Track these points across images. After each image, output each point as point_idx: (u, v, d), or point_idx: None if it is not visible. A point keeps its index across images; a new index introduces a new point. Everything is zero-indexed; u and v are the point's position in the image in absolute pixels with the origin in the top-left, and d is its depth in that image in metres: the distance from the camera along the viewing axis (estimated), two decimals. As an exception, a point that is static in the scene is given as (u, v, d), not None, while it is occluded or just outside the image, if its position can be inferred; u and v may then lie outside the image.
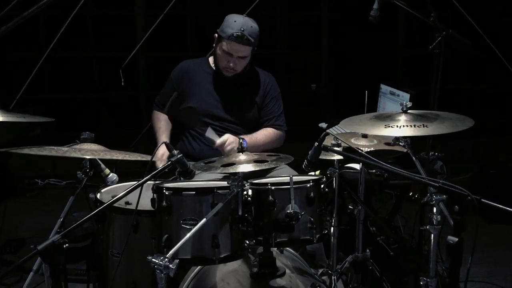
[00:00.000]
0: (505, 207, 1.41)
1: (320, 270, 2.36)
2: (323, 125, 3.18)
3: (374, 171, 2.81)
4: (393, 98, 2.92)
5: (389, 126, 1.94)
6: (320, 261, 2.57)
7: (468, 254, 3.37)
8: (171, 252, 1.49)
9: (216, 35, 2.68)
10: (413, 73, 4.84)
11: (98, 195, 2.19)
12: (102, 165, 2.14)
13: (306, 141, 2.13)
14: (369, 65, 4.99)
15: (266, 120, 2.83)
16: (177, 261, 1.46)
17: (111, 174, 2.19)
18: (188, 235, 1.56)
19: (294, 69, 5.29)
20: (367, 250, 2.49)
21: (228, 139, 2.55)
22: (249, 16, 2.72)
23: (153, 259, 1.47)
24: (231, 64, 2.65)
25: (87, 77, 5.17)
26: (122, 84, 4.48)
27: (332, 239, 2.27)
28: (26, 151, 1.82)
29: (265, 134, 2.79)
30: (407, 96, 2.72)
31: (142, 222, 2.04)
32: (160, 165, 2.37)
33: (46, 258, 1.40)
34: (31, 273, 1.65)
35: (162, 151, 2.63)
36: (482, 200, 1.44)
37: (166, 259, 1.45)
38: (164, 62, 4.95)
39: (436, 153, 3.16)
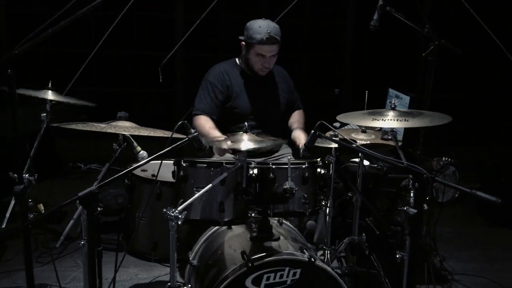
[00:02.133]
0: (456, 185, 1.69)
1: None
2: (336, 124, 3.50)
3: (375, 165, 3.12)
4: (398, 101, 3.21)
5: (376, 120, 2.24)
6: (320, 241, 2.88)
7: (467, 251, 3.65)
8: (181, 207, 1.87)
9: (244, 43, 2.99)
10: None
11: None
12: (135, 143, 2.53)
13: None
14: (391, 69, 5.27)
15: (293, 106, 3.28)
16: (185, 213, 1.83)
17: (141, 151, 2.57)
18: (196, 195, 1.94)
19: (318, 72, 5.59)
20: (363, 234, 2.80)
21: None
22: (278, 21, 3.08)
23: (167, 211, 1.85)
24: (266, 65, 2.99)
25: (129, 73, 5.62)
26: (160, 81, 4.92)
27: (327, 218, 2.59)
28: (73, 126, 2.24)
29: (301, 116, 3.29)
30: (407, 98, 3.01)
31: (165, 191, 2.43)
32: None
33: (84, 203, 1.79)
34: (71, 221, 2.02)
35: (223, 147, 2.71)
36: (436, 178, 1.74)
37: (176, 211, 1.83)
38: (200, 62, 5.39)
39: (449, 159, 3.43)
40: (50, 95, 2.47)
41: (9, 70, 1.83)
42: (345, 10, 5.47)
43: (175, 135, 2.20)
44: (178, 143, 2.08)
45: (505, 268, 3.45)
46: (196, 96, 3.06)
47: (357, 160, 3.13)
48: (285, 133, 3.21)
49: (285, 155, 3.01)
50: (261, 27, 2.91)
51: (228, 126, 3.05)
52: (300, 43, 5.56)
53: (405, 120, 2.21)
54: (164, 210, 1.86)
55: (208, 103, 3.01)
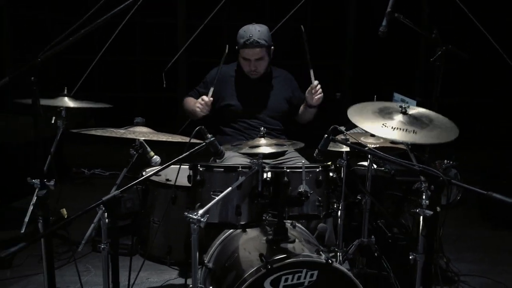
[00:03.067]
0: (473, 188, 1.74)
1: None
2: (342, 128, 3.56)
3: (382, 168, 3.17)
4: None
5: (385, 126, 2.26)
6: (330, 243, 2.92)
7: (470, 252, 3.70)
8: (202, 210, 1.90)
9: (237, 47, 3.12)
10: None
11: (144, 173, 2.64)
12: (148, 148, 2.56)
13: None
14: (389, 75, 5.35)
15: (300, 103, 3.36)
16: (207, 216, 1.87)
17: (154, 156, 2.61)
18: (216, 199, 1.98)
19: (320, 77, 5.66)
20: (372, 236, 2.85)
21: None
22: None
23: (189, 214, 1.88)
24: (252, 68, 3.11)
25: (131, 78, 5.66)
26: (164, 86, 4.96)
27: (339, 221, 2.63)
28: (92, 132, 2.27)
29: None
30: (414, 102, 3.07)
31: (180, 196, 2.46)
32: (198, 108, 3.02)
33: (108, 208, 1.82)
34: (92, 225, 2.05)
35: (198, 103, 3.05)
36: (452, 181, 1.78)
37: (198, 215, 1.86)
38: (202, 67, 5.44)
39: (451, 162, 3.49)
40: (66, 101, 2.49)
41: (32, 78, 1.86)
42: (346, 15, 5.54)
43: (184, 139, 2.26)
44: (196, 147, 2.11)
45: (509, 269, 3.51)
46: None
47: (364, 163, 3.19)
48: (288, 134, 3.27)
49: (292, 159, 3.06)
50: (245, 31, 3.06)
51: (220, 126, 3.21)
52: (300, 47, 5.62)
53: (413, 132, 2.23)
54: (186, 213, 1.90)
55: (196, 94, 3.25)
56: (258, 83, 3.22)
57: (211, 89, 3.05)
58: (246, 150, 2.22)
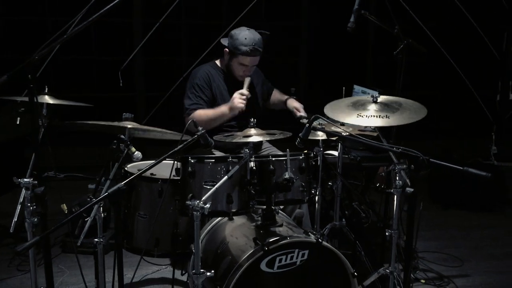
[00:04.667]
0: (450, 164, 1.94)
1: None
2: (304, 121, 3.74)
3: (347, 156, 3.38)
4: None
5: (360, 116, 2.46)
6: (306, 227, 3.09)
7: (425, 231, 3.97)
8: (204, 197, 2.00)
9: (227, 50, 3.12)
10: (381, 77, 5.50)
11: (126, 168, 2.68)
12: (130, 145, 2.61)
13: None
14: (343, 69, 5.62)
15: (271, 90, 3.53)
16: (210, 203, 1.97)
17: (136, 152, 2.65)
18: (215, 186, 2.08)
19: (276, 73, 5.85)
20: (343, 219, 3.05)
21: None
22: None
23: (191, 203, 1.97)
24: (247, 73, 3.15)
25: (88, 78, 5.54)
26: (121, 85, 4.95)
27: (316, 206, 2.80)
28: (87, 122, 2.30)
29: (280, 92, 3.58)
30: (376, 93, 3.28)
31: (166, 189, 2.53)
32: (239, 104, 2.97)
33: (112, 200, 1.88)
34: (88, 221, 2.09)
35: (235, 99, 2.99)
36: (431, 160, 1.98)
37: (201, 202, 1.96)
38: (159, 65, 5.46)
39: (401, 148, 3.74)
40: (47, 99, 2.50)
41: (29, 75, 1.89)
42: (300, 11, 5.74)
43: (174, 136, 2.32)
44: (189, 140, 2.20)
45: (461, 244, 3.85)
46: (185, 98, 3.15)
47: (332, 152, 3.39)
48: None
49: (267, 149, 3.21)
50: (247, 39, 3.04)
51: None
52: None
53: (386, 116, 2.44)
54: (188, 202, 1.99)
55: (198, 101, 3.12)
56: (240, 82, 3.17)
57: (247, 80, 3.06)
58: (238, 139, 2.33)
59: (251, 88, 3.16)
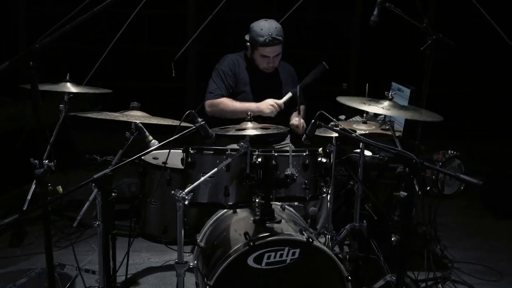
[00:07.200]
0: (442, 169, 1.82)
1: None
2: (342, 117, 3.64)
3: (377, 155, 3.24)
4: (399, 94, 3.33)
5: (364, 104, 2.35)
6: (323, 226, 3.01)
7: (468, 240, 3.74)
8: (188, 189, 2.02)
9: (248, 44, 3.12)
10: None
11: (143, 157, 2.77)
12: (147, 133, 2.68)
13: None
14: (396, 65, 5.38)
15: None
16: (192, 194, 1.99)
17: (153, 140, 2.72)
18: (202, 179, 2.09)
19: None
20: (364, 221, 2.93)
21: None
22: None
23: (175, 193, 2.00)
24: (270, 64, 3.13)
25: (142, 68, 5.78)
26: (173, 75, 5.07)
27: (328, 204, 2.72)
28: (88, 115, 2.41)
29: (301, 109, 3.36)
30: (408, 91, 3.13)
31: (174, 178, 2.59)
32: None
33: (99, 185, 1.94)
34: (87, 203, 2.18)
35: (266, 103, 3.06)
36: (424, 163, 1.86)
37: (183, 193, 1.98)
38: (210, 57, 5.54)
39: (454, 152, 3.53)
40: (68, 87, 2.63)
41: (31, 63, 1.98)
42: (353, 7, 5.57)
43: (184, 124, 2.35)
44: (186, 131, 2.22)
45: (504, 257, 3.56)
46: (209, 83, 3.19)
47: (366, 152, 3.27)
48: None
49: (287, 145, 3.16)
50: (263, 29, 3.02)
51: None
52: (306, 39, 5.69)
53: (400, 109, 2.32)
54: (173, 192, 2.01)
55: (223, 88, 3.14)
56: (268, 76, 3.22)
57: (288, 95, 3.10)
58: (233, 132, 2.32)
59: (286, 103, 3.14)
